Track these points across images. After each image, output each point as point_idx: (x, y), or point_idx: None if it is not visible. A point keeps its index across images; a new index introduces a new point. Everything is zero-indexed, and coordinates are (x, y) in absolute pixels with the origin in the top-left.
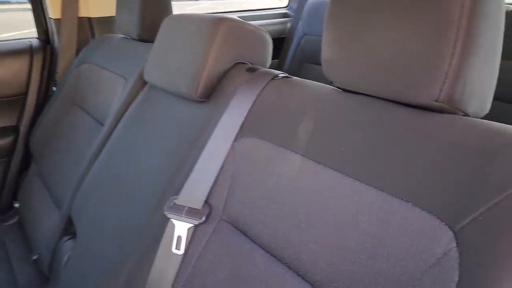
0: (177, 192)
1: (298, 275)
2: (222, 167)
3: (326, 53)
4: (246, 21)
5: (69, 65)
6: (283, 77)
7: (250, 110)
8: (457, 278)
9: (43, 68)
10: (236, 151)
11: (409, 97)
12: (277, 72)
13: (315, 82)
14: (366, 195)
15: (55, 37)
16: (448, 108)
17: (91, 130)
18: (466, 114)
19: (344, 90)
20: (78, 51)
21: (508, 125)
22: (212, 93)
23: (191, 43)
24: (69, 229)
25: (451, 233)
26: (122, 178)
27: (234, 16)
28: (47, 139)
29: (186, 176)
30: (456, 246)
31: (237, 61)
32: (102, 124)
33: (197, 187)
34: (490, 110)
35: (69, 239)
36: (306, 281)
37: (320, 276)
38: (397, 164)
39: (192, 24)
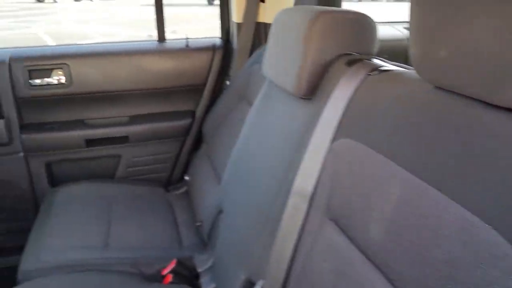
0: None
1: (389, 282)
2: (323, 167)
3: (414, 46)
4: None
5: (243, 64)
6: (380, 71)
7: (345, 109)
8: None
9: (221, 64)
10: (334, 152)
11: None
12: (376, 63)
13: (412, 74)
14: (447, 211)
15: (235, 39)
16: None
17: None
18: None
19: (437, 87)
20: (252, 52)
21: None
22: (316, 89)
23: (293, 39)
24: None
25: None
26: (254, 167)
27: None
28: (217, 125)
29: (294, 175)
30: None
31: (340, 53)
32: None
33: (303, 186)
34: None
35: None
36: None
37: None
38: (489, 183)
39: (294, 18)
